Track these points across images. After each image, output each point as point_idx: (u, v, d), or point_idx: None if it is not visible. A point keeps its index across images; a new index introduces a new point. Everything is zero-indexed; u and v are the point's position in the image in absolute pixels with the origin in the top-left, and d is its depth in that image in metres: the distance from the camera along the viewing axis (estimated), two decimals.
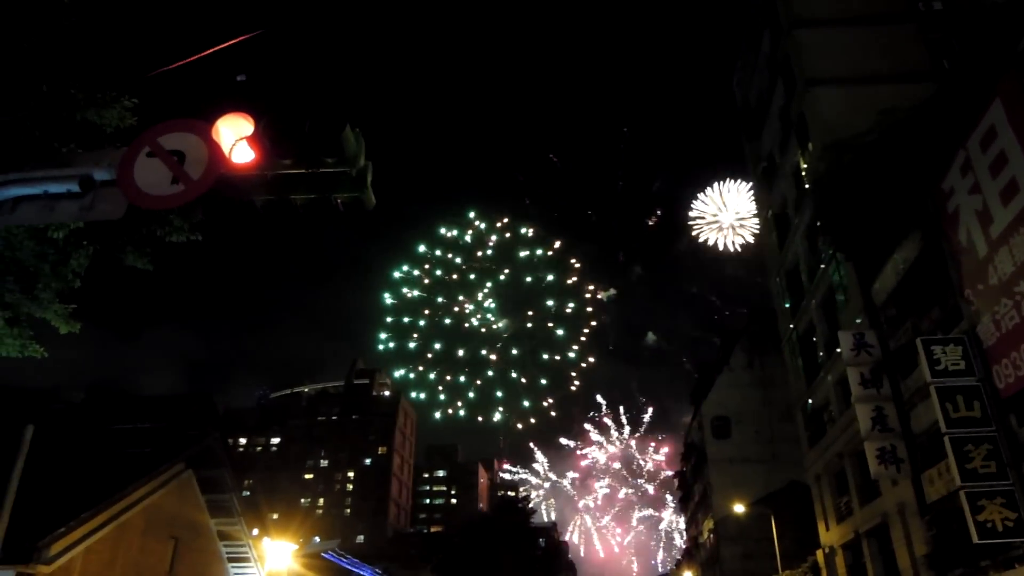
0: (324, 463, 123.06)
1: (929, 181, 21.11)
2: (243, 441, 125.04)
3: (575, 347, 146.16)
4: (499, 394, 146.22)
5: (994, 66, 18.31)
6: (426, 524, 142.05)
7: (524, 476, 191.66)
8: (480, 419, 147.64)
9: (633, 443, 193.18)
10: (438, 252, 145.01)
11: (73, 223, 12.04)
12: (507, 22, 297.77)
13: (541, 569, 70.43)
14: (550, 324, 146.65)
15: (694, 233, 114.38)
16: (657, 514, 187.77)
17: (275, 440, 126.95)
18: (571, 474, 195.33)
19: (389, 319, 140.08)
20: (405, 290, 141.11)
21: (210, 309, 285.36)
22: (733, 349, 67.30)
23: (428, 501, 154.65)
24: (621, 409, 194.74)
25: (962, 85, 20.82)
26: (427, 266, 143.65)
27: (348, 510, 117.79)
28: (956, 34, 32.14)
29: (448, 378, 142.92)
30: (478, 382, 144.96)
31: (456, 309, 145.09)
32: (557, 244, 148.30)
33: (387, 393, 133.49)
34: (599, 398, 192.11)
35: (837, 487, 32.27)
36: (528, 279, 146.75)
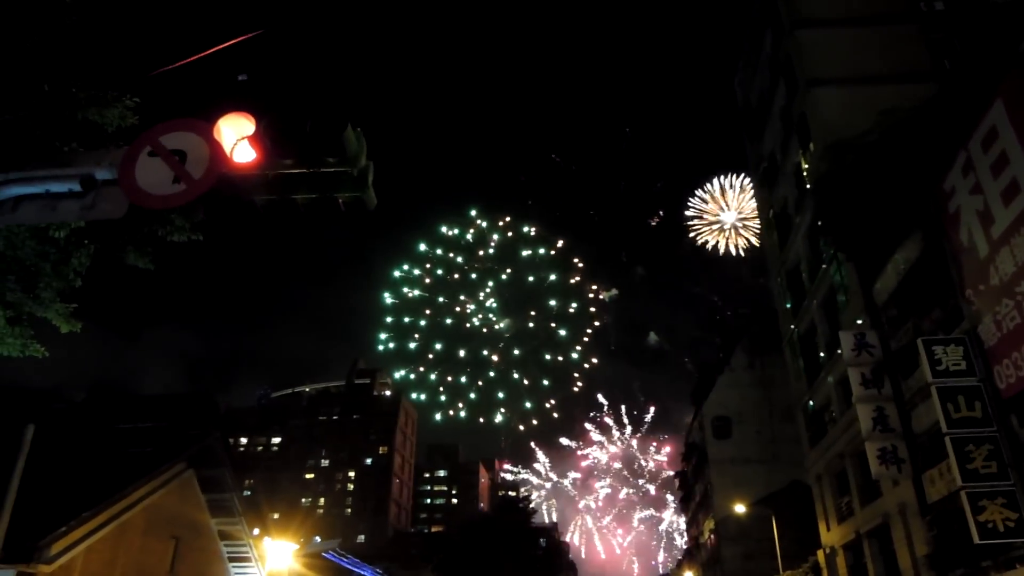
0: (325, 463, 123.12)
1: (930, 181, 21.10)
2: (244, 441, 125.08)
3: (578, 347, 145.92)
4: (500, 395, 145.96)
5: (995, 66, 18.31)
6: (427, 524, 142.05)
7: (525, 476, 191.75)
8: (482, 420, 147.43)
9: (634, 443, 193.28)
10: (439, 251, 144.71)
11: (74, 222, 12.04)
12: (509, 22, 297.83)
13: (542, 569, 70.39)
14: (553, 324, 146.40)
15: (692, 235, 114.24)
16: (658, 514, 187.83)
17: (276, 440, 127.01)
18: (572, 474, 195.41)
19: (389, 319, 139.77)
20: (405, 290, 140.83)
21: (211, 309, 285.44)
22: (734, 349, 67.32)
23: (429, 501, 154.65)
24: (623, 409, 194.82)
25: (963, 85, 20.82)
26: (428, 265, 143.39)
27: (349, 510, 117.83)
28: (958, 34, 32.14)
29: (449, 379, 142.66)
30: (479, 383, 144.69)
31: (457, 309, 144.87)
32: (560, 243, 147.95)
33: (388, 393, 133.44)
34: (600, 398, 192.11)
35: (838, 487, 32.26)
36: (530, 278, 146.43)
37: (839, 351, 26.17)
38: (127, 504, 18.23)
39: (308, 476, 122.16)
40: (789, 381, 41.07)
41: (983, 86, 18.60)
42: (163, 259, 14.18)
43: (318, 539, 59.69)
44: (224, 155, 6.70)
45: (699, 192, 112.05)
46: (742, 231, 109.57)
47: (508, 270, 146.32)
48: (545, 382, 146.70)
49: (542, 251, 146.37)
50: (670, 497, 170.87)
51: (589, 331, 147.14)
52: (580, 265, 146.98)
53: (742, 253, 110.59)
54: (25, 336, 13.65)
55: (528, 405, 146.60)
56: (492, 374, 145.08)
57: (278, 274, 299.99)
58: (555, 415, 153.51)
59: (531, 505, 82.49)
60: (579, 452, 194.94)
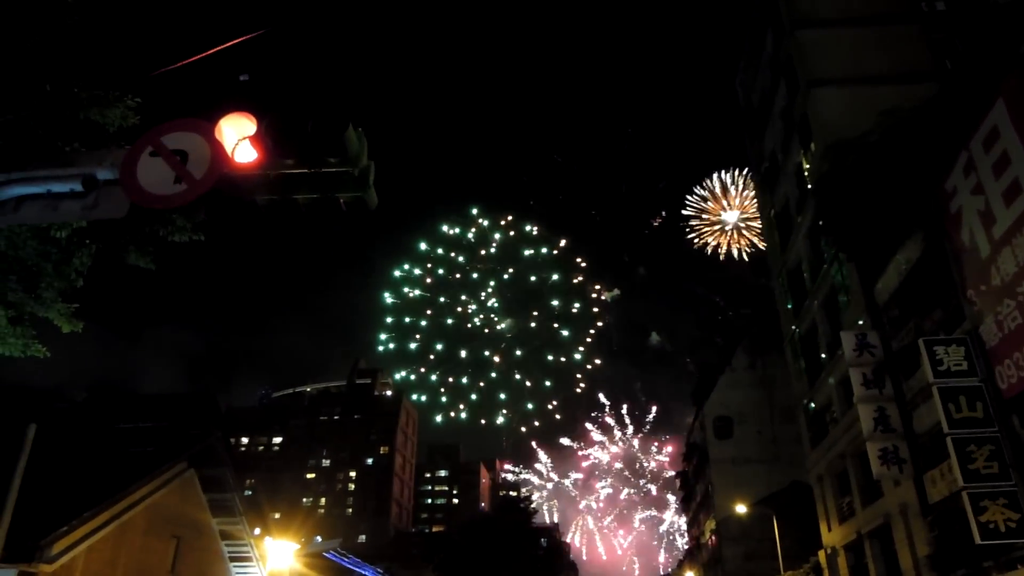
0: (326, 463, 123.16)
1: (932, 181, 21.09)
2: (245, 440, 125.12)
3: (580, 348, 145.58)
4: (502, 396, 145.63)
5: (997, 66, 18.29)
6: (428, 524, 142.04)
7: (526, 476, 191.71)
8: (483, 422, 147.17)
9: (636, 443, 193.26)
10: (440, 250, 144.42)
11: (76, 222, 12.06)
12: (511, 22, 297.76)
13: (543, 569, 70.33)
14: (555, 325, 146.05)
15: (692, 236, 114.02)
16: (659, 515, 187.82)
17: (277, 439, 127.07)
18: (574, 475, 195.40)
19: (389, 319, 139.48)
20: (406, 289, 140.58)
21: (212, 309, 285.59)
22: (735, 349, 67.32)
23: (430, 501, 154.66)
24: (624, 409, 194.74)
25: (965, 85, 20.80)
26: (429, 265, 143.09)
27: (350, 510, 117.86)
28: (959, 34, 32.12)
29: (450, 380, 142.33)
30: (480, 384, 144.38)
31: (459, 309, 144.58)
32: (562, 243, 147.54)
33: (389, 393, 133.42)
34: (602, 398, 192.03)
35: (839, 488, 32.25)
36: (532, 278, 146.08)
37: (840, 351, 26.15)
38: (128, 504, 18.26)
39: (309, 476, 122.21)
40: (790, 381, 41.06)
41: (984, 86, 18.58)
42: (164, 259, 14.19)
43: (319, 539, 59.68)
44: (225, 155, 6.71)
45: (699, 190, 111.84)
46: (744, 231, 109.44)
47: (510, 270, 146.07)
48: (547, 383, 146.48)
49: (544, 251, 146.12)
50: (671, 497, 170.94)
51: (592, 331, 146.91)
52: (583, 265, 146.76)
53: (745, 257, 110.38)
54: (27, 336, 13.66)
55: (530, 406, 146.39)
56: (493, 375, 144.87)
57: (279, 274, 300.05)
58: (557, 416, 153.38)
59: (532, 505, 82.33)
60: (580, 452, 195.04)
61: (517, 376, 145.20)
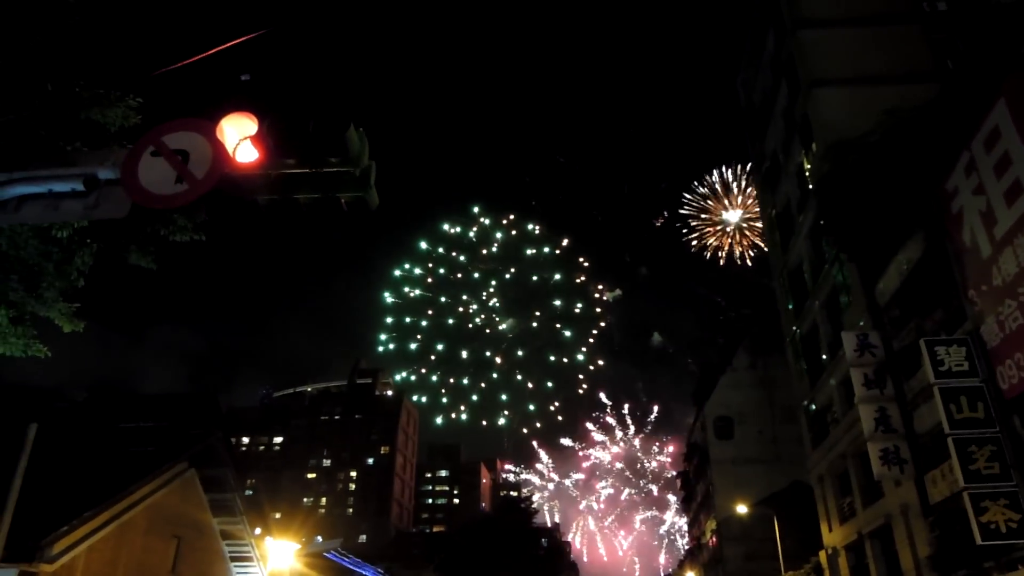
0: (327, 463, 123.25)
1: (933, 182, 21.09)
2: (246, 440, 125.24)
3: (583, 349, 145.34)
4: (503, 397, 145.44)
5: (998, 67, 18.28)
6: (428, 524, 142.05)
7: (527, 477, 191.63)
8: (484, 423, 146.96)
9: (637, 443, 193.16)
10: (441, 250, 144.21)
11: (77, 222, 12.06)
12: (513, 23, 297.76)
13: (543, 569, 70.35)
14: (558, 325, 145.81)
15: (692, 236, 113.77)
16: (660, 515, 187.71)
17: (278, 439, 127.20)
18: (575, 475, 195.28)
19: (390, 319, 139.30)
20: (407, 289, 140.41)
21: (213, 309, 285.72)
22: (736, 349, 67.27)
23: (430, 501, 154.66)
24: (625, 409, 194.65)
25: (966, 86, 20.79)
26: (430, 265, 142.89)
27: (350, 510, 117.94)
28: (960, 35, 32.09)
29: (451, 381, 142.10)
30: (482, 385, 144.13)
31: (460, 309, 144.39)
32: (565, 242, 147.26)
33: (390, 393, 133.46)
34: (603, 398, 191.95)
35: (840, 488, 32.24)
36: (534, 278, 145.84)
37: (841, 351, 26.15)
38: (129, 503, 18.25)
39: (310, 476, 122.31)
40: (791, 381, 41.05)
41: (986, 86, 18.58)
42: (165, 259, 14.20)
43: (320, 539, 59.69)
44: (227, 155, 6.71)
45: (700, 188, 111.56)
46: (747, 231, 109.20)
47: (512, 269, 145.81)
48: (549, 384, 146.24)
49: (546, 250, 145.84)
50: (672, 498, 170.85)
51: (595, 332, 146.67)
52: (585, 265, 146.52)
53: (748, 262, 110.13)
54: (28, 336, 13.65)
55: (531, 407, 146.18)
56: (495, 376, 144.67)
57: (280, 274, 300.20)
58: (559, 418, 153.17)
59: (533, 506, 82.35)
60: (581, 453, 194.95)
61: (519, 377, 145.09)
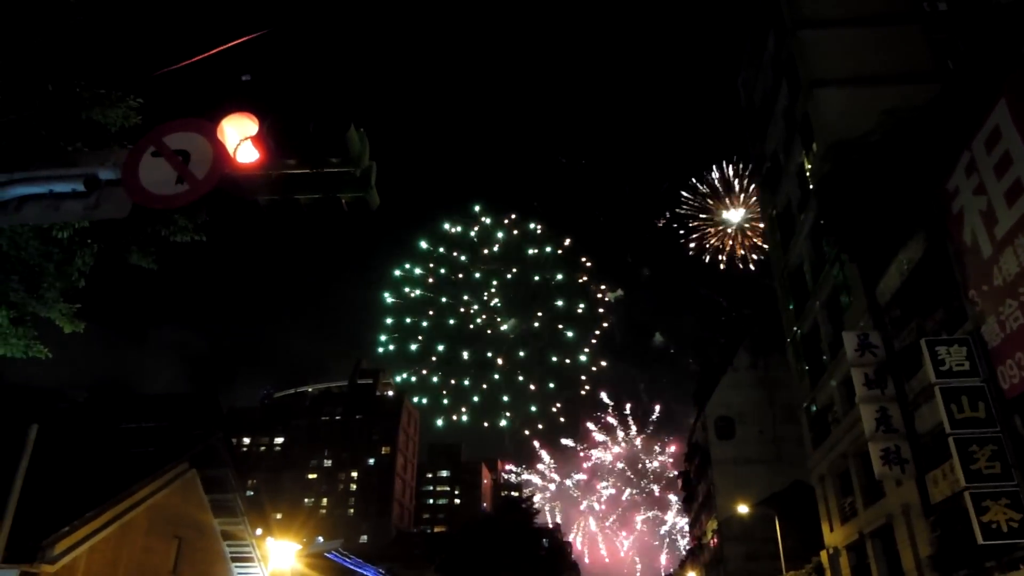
0: (327, 463, 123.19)
1: (933, 182, 21.08)
2: (247, 441, 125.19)
3: (586, 350, 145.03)
4: (505, 398, 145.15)
5: (999, 66, 18.27)
6: (429, 524, 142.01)
7: (528, 477, 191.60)
8: (486, 425, 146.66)
9: (638, 442, 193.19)
10: (442, 249, 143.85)
11: (78, 222, 12.06)
12: (516, 23, 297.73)
13: (545, 569, 70.28)
14: (560, 326, 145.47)
15: (693, 237, 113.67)
16: (661, 516, 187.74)
17: (279, 440, 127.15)
18: (577, 476, 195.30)
19: (389, 320, 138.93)
20: (407, 289, 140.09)
21: (214, 309, 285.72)
22: (737, 350, 67.26)
23: (431, 501, 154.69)
24: (627, 409, 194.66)
25: (967, 85, 20.78)
26: (431, 265, 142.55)
27: (351, 510, 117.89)
28: (961, 34, 32.08)
29: (452, 382, 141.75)
30: (483, 386, 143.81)
31: (461, 310, 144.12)
32: (567, 241, 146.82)
33: (391, 393, 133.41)
34: (605, 398, 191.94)
35: (841, 488, 32.24)
36: (536, 278, 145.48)
37: (842, 351, 26.15)
38: (130, 504, 18.25)
39: (311, 476, 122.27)
40: (792, 381, 41.07)
41: (986, 86, 18.57)
42: (166, 259, 14.20)
43: (321, 539, 59.71)
44: (227, 155, 6.71)
45: (701, 187, 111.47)
46: (748, 231, 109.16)
47: (513, 269, 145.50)
48: (551, 385, 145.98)
49: (549, 249, 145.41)
50: (673, 498, 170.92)
51: (597, 332, 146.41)
52: (588, 264, 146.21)
53: (750, 265, 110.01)
54: (28, 336, 13.66)
55: (533, 409, 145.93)
56: (496, 377, 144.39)
57: (281, 275, 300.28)
58: (562, 420, 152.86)
59: (534, 506, 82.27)
60: (581, 454, 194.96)
61: (520, 378, 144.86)
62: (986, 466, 17.64)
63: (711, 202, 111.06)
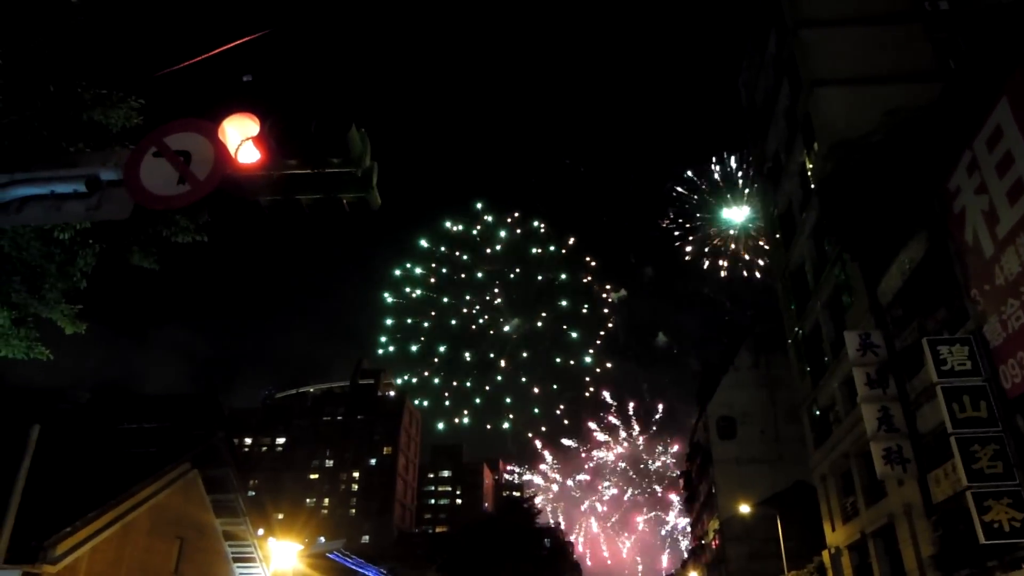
0: (329, 463, 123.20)
1: (935, 181, 21.06)
2: (248, 441, 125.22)
3: (591, 351, 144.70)
4: (507, 400, 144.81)
5: (1000, 66, 18.25)
6: (431, 524, 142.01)
7: (530, 478, 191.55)
8: (488, 427, 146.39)
9: (641, 442, 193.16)
10: (443, 249, 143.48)
11: (79, 223, 12.06)
12: (518, 25, 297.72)
13: (546, 569, 70.32)
14: (564, 327, 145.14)
15: (691, 239, 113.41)
16: (663, 516, 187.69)
17: (280, 440, 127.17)
18: (579, 476, 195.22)
19: (389, 321, 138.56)
20: (408, 289, 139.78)
21: (215, 309, 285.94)
22: (738, 349, 67.19)
23: (433, 501, 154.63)
24: (630, 409, 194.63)
25: (968, 85, 20.75)
26: (433, 265, 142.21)
27: (353, 510, 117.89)
28: (962, 34, 32.05)
29: (454, 383, 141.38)
30: (486, 388, 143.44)
31: (464, 310, 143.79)
32: (571, 241, 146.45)
33: (392, 393, 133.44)
34: (607, 397, 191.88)
35: (843, 487, 32.22)
36: (539, 278, 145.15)
37: (844, 351, 26.14)
38: (132, 504, 18.27)
39: (312, 476, 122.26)
40: (793, 381, 41.02)
41: (988, 85, 18.55)
42: (168, 260, 14.20)
43: (322, 539, 59.76)
44: (228, 156, 6.71)
45: (703, 187, 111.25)
46: (751, 231, 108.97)
47: (516, 269, 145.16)
48: (554, 386, 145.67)
49: (552, 248, 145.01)
50: (675, 498, 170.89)
51: (602, 333, 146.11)
52: (592, 264, 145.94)
53: (757, 274, 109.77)
54: (30, 338, 13.65)
55: (536, 411, 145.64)
56: (499, 378, 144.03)
57: (282, 275, 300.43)
58: (565, 422, 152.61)
59: (536, 506, 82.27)
60: (583, 454, 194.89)
61: (523, 379, 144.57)
62: (988, 465, 17.63)
63: (712, 200, 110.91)
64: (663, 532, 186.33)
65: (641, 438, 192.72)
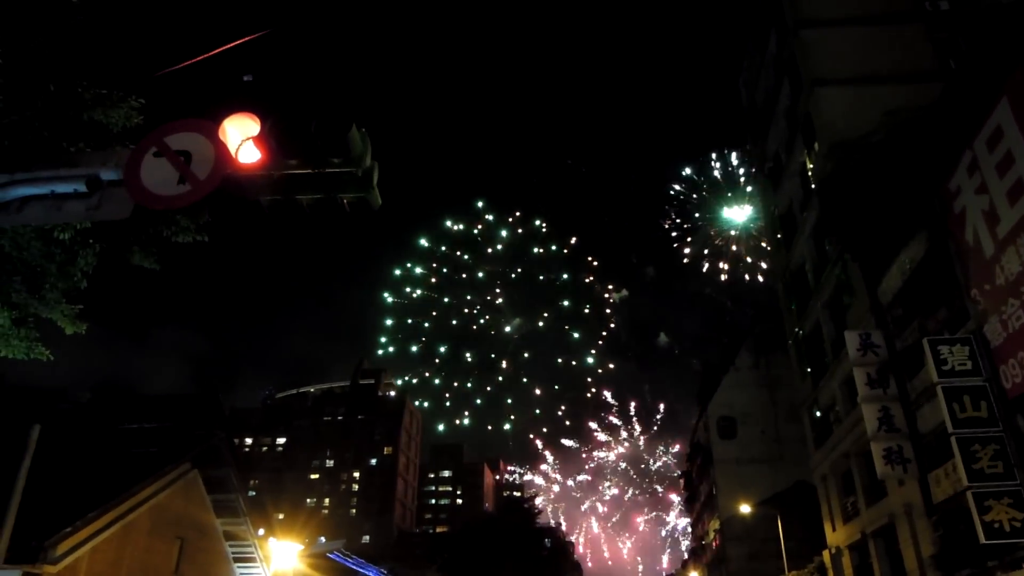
0: (329, 463, 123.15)
1: (935, 181, 21.06)
2: (249, 441, 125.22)
3: (593, 352, 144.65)
4: (508, 401, 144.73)
5: (1001, 66, 18.25)
6: (431, 524, 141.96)
7: (530, 478, 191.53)
8: (489, 428, 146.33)
9: (642, 442, 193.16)
10: (444, 248, 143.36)
11: (80, 223, 12.06)
12: (521, 25, 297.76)
13: (547, 569, 70.37)
14: (566, 327, 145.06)
15: (691, 240, 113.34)
16: (663, 516, 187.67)
17: (280, 440, 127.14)
18: (580, 476, 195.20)
19: (390, 321, 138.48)
20: (409, 289, 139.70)
21: (216, 309, 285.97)
22: (739, 349, 67.16)
23: (433, 501, 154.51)
24: (631, 409, 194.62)
25: (969, 85, 20.75)
26: (434, 264, 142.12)
27: (353, 510, 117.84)
28: (963, 34, 32.05)
29: (455, 384, 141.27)
30: (487, 388, 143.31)
31: (465, 310, 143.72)
32: (572, 240, 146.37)
33: (392, 393, 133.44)
34: (609, 397, 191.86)
35: (843, 487, 32.21)
36: (540, 278, 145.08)
37: (844, 351, 26.12)
38: (132, 504, 18.27)
39: (313, 476, 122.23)
40: (794, 381, 41.00)
41: (988, 85, 18.55)
42: (168, 260, 14.21)
43: (323, 539, 59.76)
44: (229, 156, 6.71)
45: (704, 187, 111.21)
46: (754, 233, 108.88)
47: (518, 269, 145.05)
48: (556, 387, 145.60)
49: (554, 247, 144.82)
50: (676, 498, 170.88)
51: (604, 333, 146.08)
52: (595, 264, 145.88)
53: (759, 276, 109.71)
54: (30, 338, 13.65)
55: (537, 412, 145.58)
56: (500, 379, 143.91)
57: (283, 275, 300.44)
58: (567, 423, 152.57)
59: (536, 506, 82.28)
60: (584, 455, 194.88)
61: (524, 379, 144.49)
62: (988, 465, 17.63)
63: (713, 199, 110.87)
64: (664, 532, 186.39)
65: (642, 438, 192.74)
